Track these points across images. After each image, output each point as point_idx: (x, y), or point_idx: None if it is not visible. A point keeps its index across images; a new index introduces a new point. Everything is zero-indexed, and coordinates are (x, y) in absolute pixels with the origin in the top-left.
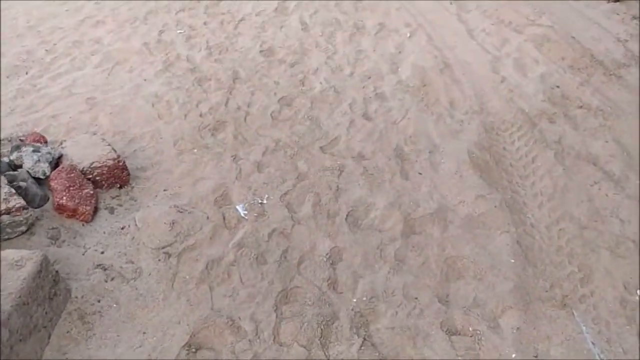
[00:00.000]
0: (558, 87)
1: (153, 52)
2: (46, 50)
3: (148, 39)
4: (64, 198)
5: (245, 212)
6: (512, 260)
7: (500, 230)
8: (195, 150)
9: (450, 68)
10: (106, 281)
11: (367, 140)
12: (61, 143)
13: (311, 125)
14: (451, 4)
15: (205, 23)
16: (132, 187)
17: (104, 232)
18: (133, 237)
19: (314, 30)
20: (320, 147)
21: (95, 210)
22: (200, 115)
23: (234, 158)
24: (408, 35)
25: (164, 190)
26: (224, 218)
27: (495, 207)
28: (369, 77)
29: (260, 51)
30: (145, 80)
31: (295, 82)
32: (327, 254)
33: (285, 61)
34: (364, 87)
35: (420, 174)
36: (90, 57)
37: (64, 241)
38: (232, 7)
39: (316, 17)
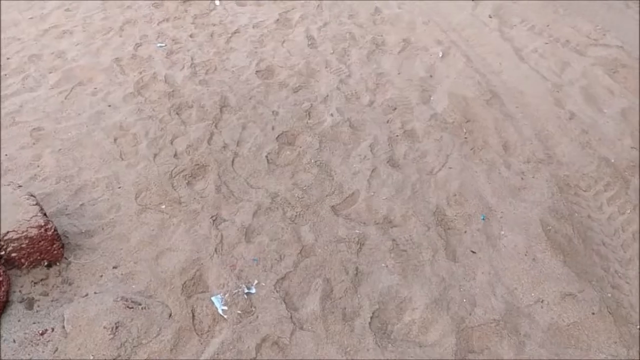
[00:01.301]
0: None
1: (125, 70)
2: None
3: (121, 53)
4: None
5: (225, 307)
6: None
7: (605, 353)
8: (164, 207)
9: (499, 98)
10: None
11: (395, 197)
12: None
13: (320, 173)
14: (490, 17)
15: (191, 35)
16: (69, 263)
17: (13, 341)
18: (56, 349)
19: (323, 47)
20: (332, 207)
21: (5, 305)
22: (175, 156)
23: (215, 220)
24: (440, 54)
25: (114, 267)
26: (193, 316)
27: (592, 313)
28: (394, 109)
29: (257, 72)
30: (109, 106)
31: (300, 113)
32: None
33: (287, 85)
34: (388, 121)
35: (473, 252)
36: (47, 76)
37: None
38: (225, 18)
39: (326, 31)
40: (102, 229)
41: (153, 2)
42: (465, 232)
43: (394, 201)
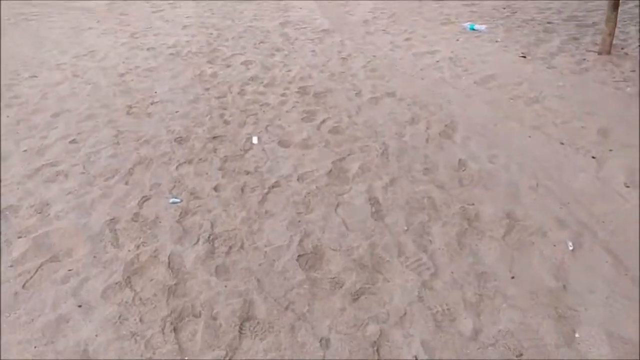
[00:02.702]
0: None
1: (119, 240)
2: None
3: (120, 211)
4: None
5: None
6: None
7: None
8: None
9: None
10: None
11: None
12: None
13: None
14: (627, 186)
15: (216, 188)
16: None
17: None
18: None
19: (393, 218)
20: None
21: None
22: None
23: None
24: (570, 246)
25: None
26: None
27: None
28: (520, 354)
29: (299, 256)
30: (79, 306)
31: (363, 346)
32: None
33: (343, 284)
34: None
35: None
36: (13, 242)
37: None
38: (263, 163)
39: (395, 192)
40: None
41: (176, 136)
42: None
43: None
